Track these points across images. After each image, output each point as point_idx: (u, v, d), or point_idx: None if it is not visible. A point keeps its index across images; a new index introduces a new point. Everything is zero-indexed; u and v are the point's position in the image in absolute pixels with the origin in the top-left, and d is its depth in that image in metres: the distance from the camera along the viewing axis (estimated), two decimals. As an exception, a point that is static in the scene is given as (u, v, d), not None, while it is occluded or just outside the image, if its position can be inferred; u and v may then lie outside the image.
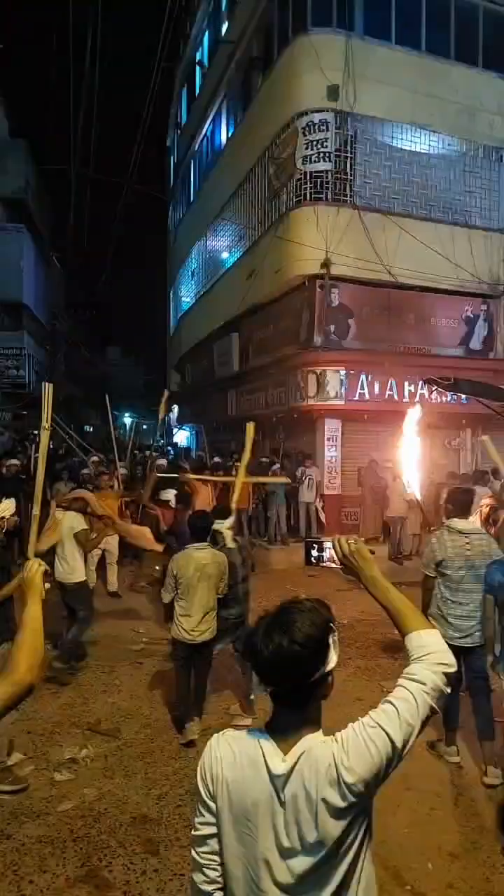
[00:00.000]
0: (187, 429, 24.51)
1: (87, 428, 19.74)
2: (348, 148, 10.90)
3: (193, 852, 1.45)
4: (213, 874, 1.43)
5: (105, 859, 3.21)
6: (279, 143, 11.58)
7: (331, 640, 1.39)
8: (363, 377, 10.98)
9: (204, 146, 18.19)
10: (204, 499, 7.27)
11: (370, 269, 10.62)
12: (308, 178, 10.88)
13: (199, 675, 4.53)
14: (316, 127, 10.69)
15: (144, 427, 29.48)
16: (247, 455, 5.57)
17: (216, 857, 1.43)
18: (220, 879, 1.43)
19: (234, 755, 1.40)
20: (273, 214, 12.07)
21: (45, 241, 24.92)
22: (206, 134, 17.77)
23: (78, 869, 3.13)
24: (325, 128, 10.67)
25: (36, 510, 2.79)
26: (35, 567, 1.82)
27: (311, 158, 10.82)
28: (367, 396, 11.04)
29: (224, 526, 4.85)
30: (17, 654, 1.61)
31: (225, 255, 15.67)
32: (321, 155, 10.78)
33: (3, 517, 4.02)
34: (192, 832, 1.47)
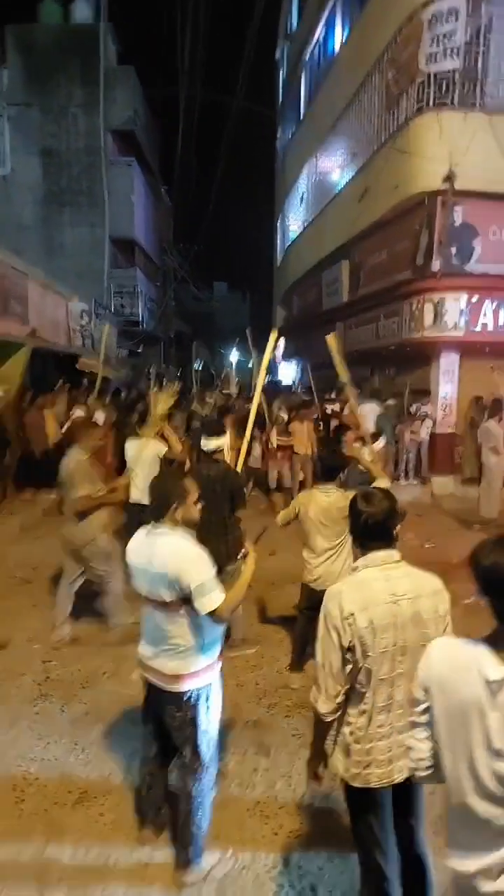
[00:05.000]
0: (292, 364, 24.30)
1: (195, 366, 20.04)
2: (480, 40, 9.64)
3: (411, 732, 1.66)
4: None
5: (220, 754, 3.42)
6: (399, 42, 10.49)
7: None
8: (487, 305, 10.12)
9: (316, 54, 16.96)
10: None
11: (502, 181, 9.56)
12: (432, 80, 9.81)
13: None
14: (444, 17, 9.50)
15: (250, 366, 29.53)
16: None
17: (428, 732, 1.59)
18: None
19: (450, 658, 1.52)
20: (391, 125, 11.13)
21: (154, 173, 24.86)
22: (318, 40, 16.51)
23: (196, 760, 3.37)
24: (453, 17, 9.46)
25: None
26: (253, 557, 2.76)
27: (435, 57, 9.70)
28: (490, 327, 10.19)
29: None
30: (233, 591, 2.51)
31: (336, 175, 14.81)
32: (448, 51, 9.63)
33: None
34: (413, 709, 1.63)
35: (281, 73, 23.17)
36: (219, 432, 4.57)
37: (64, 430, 8.50)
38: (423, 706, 1.58)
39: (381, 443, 6.72)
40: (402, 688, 2.00)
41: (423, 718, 1.58)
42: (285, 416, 9.80)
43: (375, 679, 1.98)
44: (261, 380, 5.07)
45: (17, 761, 3.36)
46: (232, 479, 4.33)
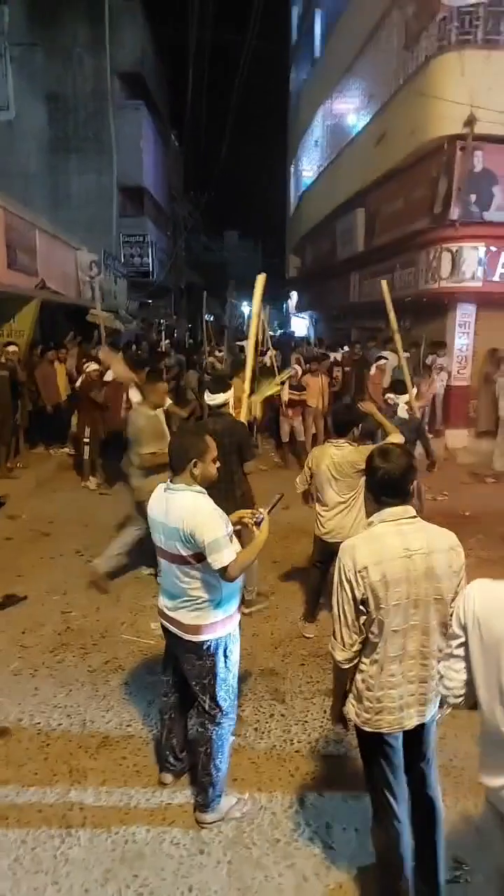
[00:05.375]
0: (305, 317, 23.92)
1: (207, 317, 19.72)
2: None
3: (446, 662, 1.73)
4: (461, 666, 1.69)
5: (237, 701, 3.54)
6: (422, -28, 9.89)
7: None
8: (507, 254, 9.81)
9: (332, -12, 16.04)
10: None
11: (525, 124, 9.11)
12: (455, 15, 9.27)
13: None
14: None
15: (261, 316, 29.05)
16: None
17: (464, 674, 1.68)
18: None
19: (488, 599, 1.61)
20: (410, 65, 10.59)
21: (162, 118, 23.97)
22: (334, -28, 15.58)
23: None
24: None
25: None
26: (267, 525, 2.69)
27: (459, -12, 9.14)
28: (508, 277, 9.91)
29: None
30: (245, 552, 2.54)
31: (352, 119, 14.22)
32: (473, -19, 9.06)
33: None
34: (450, 643, 1.73)
35: (295, 9, 21.97)
36: (224, 387, 4.58)
37: (78, 384, 8.47)
38: (460, 641, 1.67)
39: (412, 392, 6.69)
40: (414, 639, 2.05)
41: (459, 651, 1.68)
42: (299, 370, 9.70)
43: (388, 630, 2.02)
44: (253, 329, 4.99)
45: (40, 708, 3.50)
46: (238, 431, 4.35)
